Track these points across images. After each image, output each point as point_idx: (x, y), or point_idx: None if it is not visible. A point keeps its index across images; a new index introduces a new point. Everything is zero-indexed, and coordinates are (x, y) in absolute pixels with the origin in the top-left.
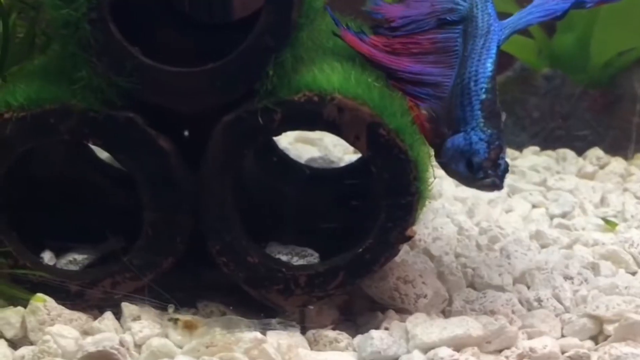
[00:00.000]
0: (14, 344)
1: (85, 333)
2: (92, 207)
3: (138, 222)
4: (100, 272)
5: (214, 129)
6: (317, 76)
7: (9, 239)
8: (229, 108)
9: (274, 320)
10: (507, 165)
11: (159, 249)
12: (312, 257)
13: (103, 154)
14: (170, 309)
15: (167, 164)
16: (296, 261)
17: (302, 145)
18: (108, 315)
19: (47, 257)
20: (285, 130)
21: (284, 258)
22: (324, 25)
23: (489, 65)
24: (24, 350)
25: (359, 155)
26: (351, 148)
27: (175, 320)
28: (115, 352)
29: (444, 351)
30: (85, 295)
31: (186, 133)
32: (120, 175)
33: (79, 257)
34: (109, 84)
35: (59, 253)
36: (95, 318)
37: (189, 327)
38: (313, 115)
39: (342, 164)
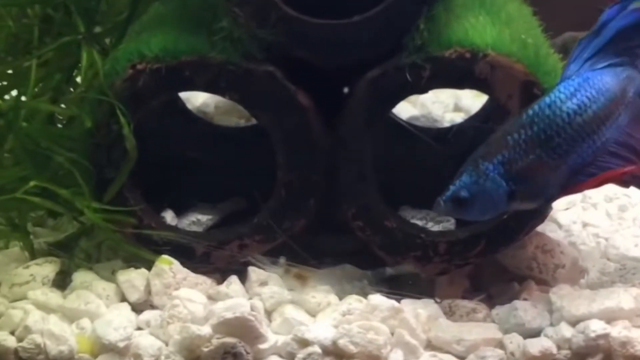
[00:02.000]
0: (134, 308)
1: (211, 298)
2: (205, 167)
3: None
4: (227, 234)
5: (356, 85)
6: (470, 31)
7: (134, 197)
8: (371, 64)
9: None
10: None
11: (292, 211)
12: (448, 222)
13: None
14: (282, 259)
15: (305, 121)
16: (431, 226)
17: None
18: (234, 279)
19: (169, 217)
20: (432, 88)
21: (419, 223)
22: None
23: None
24: (148, 315)
25: (462, 114)
26: (451, 106)
27: (287, 270)
28: (253, 318)
29: (596, 324)
30: (211, 258)
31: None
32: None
33: (202, 217)
34: (250, 36)
35: (178, 213)
36: (217, 282)
37: (300, 277)
38: (464, 73)
39: (446, 124)
